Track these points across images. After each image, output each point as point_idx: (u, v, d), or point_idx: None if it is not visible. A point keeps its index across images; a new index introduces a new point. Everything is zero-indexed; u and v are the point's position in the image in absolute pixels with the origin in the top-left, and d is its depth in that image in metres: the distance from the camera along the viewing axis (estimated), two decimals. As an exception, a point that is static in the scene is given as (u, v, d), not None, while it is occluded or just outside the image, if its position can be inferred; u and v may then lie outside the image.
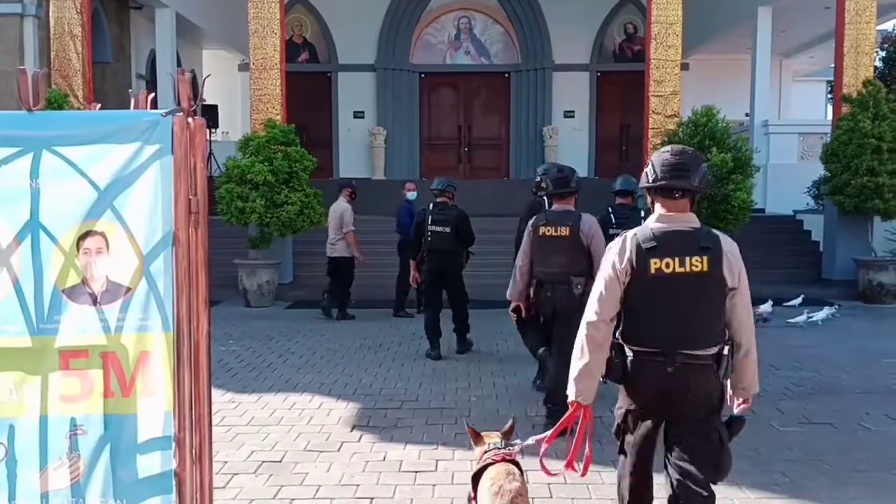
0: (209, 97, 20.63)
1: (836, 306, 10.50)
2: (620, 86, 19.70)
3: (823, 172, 12.94)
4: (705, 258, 3.19)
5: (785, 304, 10.60)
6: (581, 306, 3.48)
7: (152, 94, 3.27)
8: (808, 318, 9.92)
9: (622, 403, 3.42)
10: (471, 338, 8.70)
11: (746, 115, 16.97)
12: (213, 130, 19.94)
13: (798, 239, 14.45)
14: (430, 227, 8.42)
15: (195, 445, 2.80)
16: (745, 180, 11.50)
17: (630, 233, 3.31)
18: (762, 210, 14.92)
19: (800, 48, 20.30)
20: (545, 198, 6.39)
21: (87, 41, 12.61)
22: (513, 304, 6.04)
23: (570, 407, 3.30)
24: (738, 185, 11.33)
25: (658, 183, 3.25)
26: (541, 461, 3.35)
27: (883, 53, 14.00)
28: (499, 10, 20.14)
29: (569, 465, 3.34)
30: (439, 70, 20.52)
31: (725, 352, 3.24)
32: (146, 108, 3.11)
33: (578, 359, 3.27)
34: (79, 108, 11.92)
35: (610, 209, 7.61)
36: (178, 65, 17.43)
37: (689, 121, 12.14)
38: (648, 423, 3.36)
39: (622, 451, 3.47)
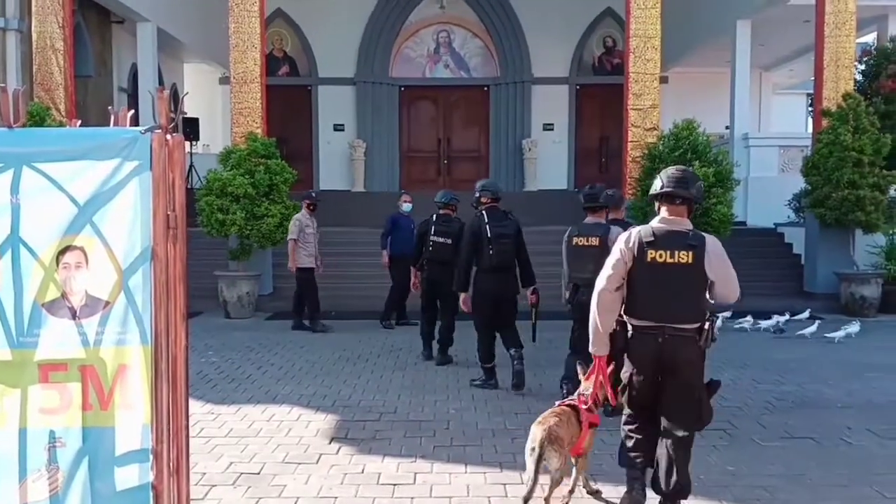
0: (190, 110, 20.64)
1: (858, 321, 10.39)
2: (599, 99, 19.91)
3: (804, 185, 12.96)
4: (691, 253, 4.07)
5: (793, 317, 10.56)
6: None
7: (132, 111, 3.33)
8: (846, 332, 9.80)
9: (626, 368, 4.28)
10: (452, 353, 8.77)
11: (726, 127, 17.09)
12: (194, 143, 19.94)
13: (779, 252, 14.48)
14: (432, 238, 8.78)
15: (173, 458, 2.84)
16: (726, 193, 11.55)
17: (636, 229, 4.26)
18: (743, 223, 14.98)
19: (779, 61, 20.57)
20: (483, 212, 7.37)
21: (69, 55, 12.63)
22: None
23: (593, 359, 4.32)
24: (718, 198, 11.35)
25: (664, 190, 4.18)
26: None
27: (863, 67, 14.13)
28: (478, 24, 20.31)
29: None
30: (419, 83, 20.64)
31: (706, 326, 4.10)
32: (126, 124, 3.16)
33: (592, 322, 4.23)
34: (61, 122, 11.94)
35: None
36: (160, 78, 17.47)
37: (671, 134, 12.22)
38: (642, 378, 4.20)
39: (630, 404, 4.31)
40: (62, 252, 2.80)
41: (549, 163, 20.02)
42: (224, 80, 19.02)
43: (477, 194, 7.62)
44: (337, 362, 8.73)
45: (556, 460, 4.17)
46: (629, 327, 4.19)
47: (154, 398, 2.80)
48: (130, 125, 3.16)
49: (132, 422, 2.79)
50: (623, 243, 4.19)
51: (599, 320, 4.19)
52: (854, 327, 9.95)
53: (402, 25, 20.27)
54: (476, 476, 5.07)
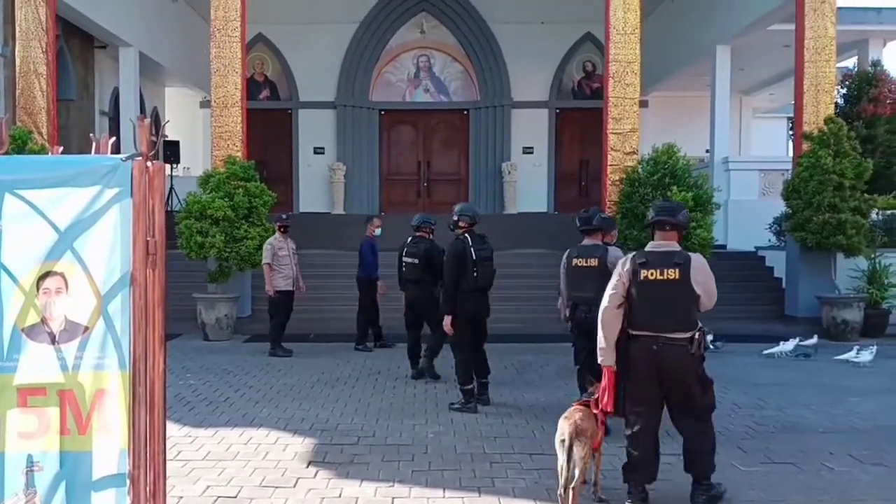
0: (171, 133, 20.69)
1: (874, 345, 10.28)
2: (579, 122, 20.13)
3: (785, 209, 12.97)
4: (678, 270, 4.68)
5: (801, 343, 10.50)
6: None
7: (113, 138, 3.37)
8: (869, 352, 9.75)
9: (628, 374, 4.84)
10: (439, 372, 8.86)
11: (707, 151, 17.23)
12: (175, 165, 19.93)
13: (760, 275, 14.45)
14: (403, 259, 9.19)
15: (150, 483, 2.85)
16: (706, 217, 11.58)
17: (632, 253, 4.94)
18: (723, 246, 15.02)
19: (759, 86, 20.83)
20: (466, 236, 7.55)
21: (51, 79, 12.68)
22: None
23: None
24: (698, 222, 11.35)
25: (655, 219, 4.88)
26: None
27: (844, 91, 14.30)
28: (458, 49, 20.49)
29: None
30: (399, 107, 20.76)
31: (696, 336, 4.67)
32: (107, 151, 3.20)
33: (599, 337, 4.82)
34: (43, 145, 11.96)
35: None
36: (141, 102, 17.51)
37: (650, 158, 12.31)
38: (641, 377, 4.77)
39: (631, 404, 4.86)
40: (42, 277, 2.83)
41: (528, 186, 20.17)
42: (205, 104, 19.07)
43: (455, 218, 7.74)
44: (315, 385, 8.70)
45: (582, 450, 4.65)
46: (630, 336, 4.79)
47: (132, 423, 2.81)
48: (112, 151, 3.19)
49: (110, 446, 2.80)
50: (621, 266, 4.85)
51: (604, 334, 4.78)
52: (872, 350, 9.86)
53: (382, 50, 20.43)
54: (454, 500, 5.06)
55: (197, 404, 7.74)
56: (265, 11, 18.24)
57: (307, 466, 5.78)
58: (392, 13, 20.23)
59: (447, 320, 7.65)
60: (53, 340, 2.82)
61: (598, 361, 4.84)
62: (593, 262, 6.59)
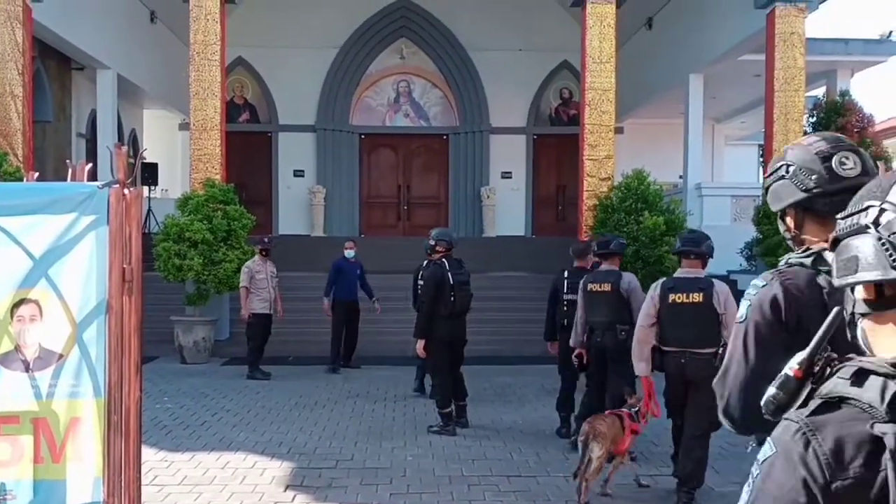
0: (149, 155, 20.61)
1: None
2: (556, 148, 20.32)
3: (756, 234, 13.17)
4: (702, 294, 5.30)
5: None
6: (626, 349, 5.85)
7: (90, 165, 3.38)
8: None
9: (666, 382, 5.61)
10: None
11: (680, 176, 17.46)
12: (153, 187, 19.87)
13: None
14: (418, 281, 8.63)
15: (125, 510, 2.81)
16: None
17: (662, 279, 5.68)
18: (697, 270, 15.27)
19: (731, 114, 21.11)
20: (444, 261, 7.62)
21: (28, 101, 12.60)
22: (576, 351, 7.08)
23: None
24: (671, 246, 11.58)
25: (681, 248, 5.55)
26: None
27: (813, 119, 14.56)
28: (437, 75, 20.65)
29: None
30: (379, 131, 20.85)
31: (720, 351, 5.01)
32: (84, 178, 3.19)
33: (634, 351, 5.54)
34: (18, 167, 11.87)
35: (565, 272, 7.83)
36: (119, 124, 17.46)
37: (621, 184, 12.47)
38: (671, 388, 5.55)
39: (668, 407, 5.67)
40: (17, 305, 2.81)
41: (507, 210, 20.30)
42: (184, 126, 19.06)
43: (432, 242, 7.81)
44: (294, 408, 8.71)
45: (598, 450, 5.26)
46: (662, 351, 5.43)
47: (106, 451, 2.80)
48: (88, 177, 3.20)
49: (84, 475, 2.78)
50: (652, 290, 5.52)
51: (638, 349, 5.49)
52: None
53: (362, 75, 20.53)
54: (431, 524, 5.10)
55: (174, 428, 7.73)
56: (245, 35, 18.37)
57: (285, 490, 5.80)
58: (372, 39, 20.38)
59: (419, 344, 7.70)
60: (27, 368, 2.80)
61: (637, 373, 5.57)
62: (607, 286, 6.68)
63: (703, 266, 5.50)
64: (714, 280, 5.44)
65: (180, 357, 11.91)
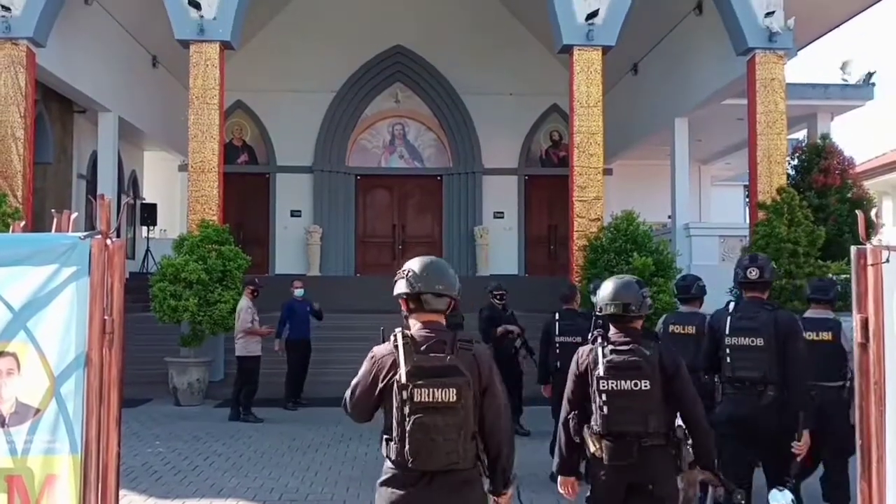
0: (148, 195, 20.91)
1: None
2: (547, 189, 20.61)
3: None
4: (830, 333, 5.90)
5: None
6: (706, 393, 5.03)
7: (75, 214, 3.31)
8: None
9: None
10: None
11: (669, 217, 17.69)
12: (151, 228, 20.11)
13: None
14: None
15: (102, 572, 2.75)
16: (668, 282, 11.69)
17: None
18: (686, 311, 15.35)
19: (716, 155, 21.39)
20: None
21: (29, 143, 12.84)
22: None
23: None
24: (660, 287, 11.54)
25: (810, 296, 6.20)
26: None
27: (795, 162, 14.79)
28: (431, 118, 21.06)
29: None
30: (374, 172, 21.17)
31: (848, 384, 5.58)
32: (68, 228, 3.16)
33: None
34: (17, 208, 12.08)
35: (557, 314, 7.85)
36: (120, 165, 17.72)
37: (611, 225, 12.64)
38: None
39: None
40: (-6, 358, 2.72)
41: (500, 249, 20.55)
42: (183, 167, 19.34)
43: None
44: (286, 452, 8.63)
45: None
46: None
47: (82, 509, 2.69)
48: (72, 230, 3.16)
49: (59, 535, 2.66)
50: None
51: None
52: None
53: (358, 118, 20.94)
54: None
55: (165, 473, 7.68)
56: (244, 80, 18.76)
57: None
58: (368, 83, 20.82)
59: None
60: (3, 423, 2.72)
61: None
62: (691, 329, 6.37)
63: (832, 309, 6.14)
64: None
65: (174, 399, 11.90)
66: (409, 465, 2.97)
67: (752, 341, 5.04)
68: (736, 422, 4.99)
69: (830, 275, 12.73)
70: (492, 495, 3.13)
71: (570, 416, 3.96)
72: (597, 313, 4.04)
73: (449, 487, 2.98)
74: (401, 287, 3.20)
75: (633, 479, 3.74)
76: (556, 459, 4.07)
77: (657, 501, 3.72)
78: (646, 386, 3.71)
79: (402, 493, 3.03)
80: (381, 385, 3.07)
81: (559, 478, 4.07)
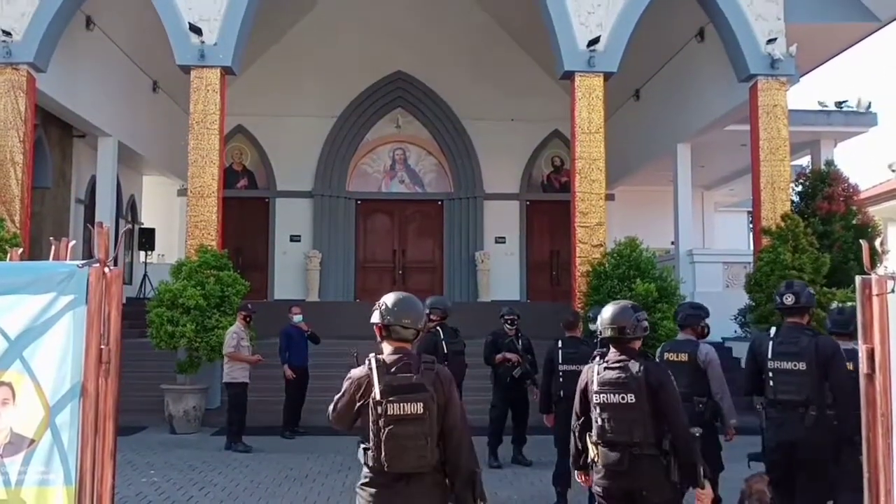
0: (147, 220, 20.85)
1: None
2: (549, 214, 20.60)
3: (748, 301, 13.12)
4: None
5: None
6: (702, 423, 5.69)
7: (73, 242, 3.33)
8: None
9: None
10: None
11: (672, 243, 17.60)
12: (150, 252, 20.02)
13: (728, 366, 14.18)
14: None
15: None
16: (671, 309, 11.48)
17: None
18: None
19: (720, 181, 21.40)
20: (438, 329, 7.54)
21: (28, 168, 12.82)
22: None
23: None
24: (664, 313, 11.46)
25: (830, 330, 5.69)
26: None
27: (799, 188, 14.76)
28: (432, 143, 21.07)
29: None
30: (375, 197, 21.16)
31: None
32: (66, 257, 3.15)
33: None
34: (15, 233, 12.01)
35: (560, 342, 7.77)
36: (119, 190, 17.67)
37: (614, 251, 12.56)
38: None
39: None
40: (-11, 388, 2.69)
41: (501, 274, 20.46)
42: (182, 192, 19.32)
43: (427, 311, 7.78)
44: (283, 482, 8.53)
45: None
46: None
47: (76, 543, 2.66)
48: (70, 258, 3.14)
49: (52, 568, 2.62)
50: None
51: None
52: None
53: (359, 143, 20.96)
54: None
55: None
56: (245, 105, 18.81)
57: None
58: (369, 109, 20.87)
59: None
60: None
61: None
62: (683, 356, 6.46)
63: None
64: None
65: (170, 427, 11.73)
66: (385, 469, 3.47)
67: (795, 365, 5.31)
68: (785, 448, 5.30)
69: (836, 302, 12.66)
70: None
71: (576, 425, 4.49)
72: (597, 336, 4.46)
73: (422, 488, 3.50)
74: (375, 317, 3.72)
75: (627, 485, 4.15)
76: (572, 456, 4.64)
77: None
78: (631, 399, 4.15)
79: (379, 493, 3.55)
80: (359, 403, 3.58)
81: (574, 471, 4.68)
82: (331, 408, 3.72)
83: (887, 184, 24.69)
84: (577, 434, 4.48)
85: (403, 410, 3.46)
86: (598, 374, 4.28)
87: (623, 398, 4.16)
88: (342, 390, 3.68)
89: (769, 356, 5.43)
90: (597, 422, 4.23)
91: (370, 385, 3.52)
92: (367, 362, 3.62)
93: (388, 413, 3.44)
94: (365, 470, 3.61)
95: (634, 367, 4.20)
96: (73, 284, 2.85)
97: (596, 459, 4.27)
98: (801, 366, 5.26)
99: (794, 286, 5.56)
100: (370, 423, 3.49)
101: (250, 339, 11.09)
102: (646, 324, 4.37)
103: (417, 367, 3.58)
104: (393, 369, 3.56)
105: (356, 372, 3.66)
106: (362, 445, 3.56)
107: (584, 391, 4.37)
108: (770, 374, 5.42)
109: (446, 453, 3.57)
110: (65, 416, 2.74)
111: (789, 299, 5.50)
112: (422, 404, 3.47)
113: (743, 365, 14.43)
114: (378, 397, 3.47)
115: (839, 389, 5.07)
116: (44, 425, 2.74)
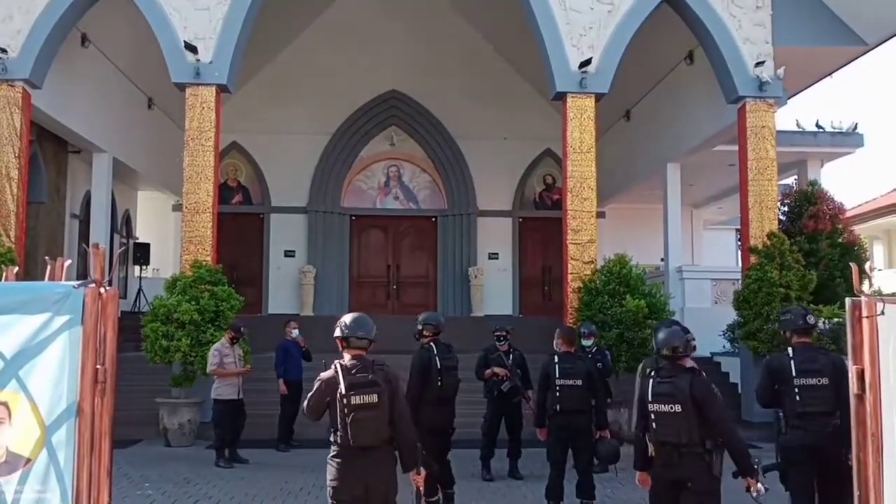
0: (142, 234, 20.92)
1: None
2: (541, 231, 20.76)
3: (736, 317, 13.29)
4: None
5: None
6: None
7: (69, 261, 3.33)
8: None
9: None
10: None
11: (662, 260, 17.77)
12: (144, 267, 20.09)
13: (716, 381, 14.38)
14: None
15: None
16: None
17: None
18: (680, 353, 15.35)
19: (708, 200, 21.61)
20: (432, 345, 7.49)
21: (23, 184, 12.90)
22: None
23: None
24: (652, 329, 11.71)
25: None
26: None
27: (785, 207, 14.93)
28: (426, 161, 21.25)
29: None
30: (369, 213, 21.30)
31: (838, 413, 5.59)
32: (61, 277, 3.18)
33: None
34: (10, 248, 12.08)
35: (555, 357, 7.76)
36: (113, 205, 17.74)
37: (604, 268, 12.70)
38: None
39: None
40: (-15, 407, 2.71)
41: (494, 290, 20.61)
42: (177, 207, 19.39)
43: (420, 327, 7.72)
44: (278, 496, 8.51)
45: None
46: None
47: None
48: (65, 278, 3.15)
49: (48, 587, 2.63)
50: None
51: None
52: None
53: (354, 160, 21.12)
54: None
55: None
56: (240, 121, 18.94)
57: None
58: (364, 126, 21.05)
59: None
60: None
61: None
62: (824, 379, 6.38)
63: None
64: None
65: (164, 440, 11.77)
66: (350, 444, 4.47)
67: (819, 381, 5.79)
68: (808, 449, 5.75)
69: (823, 319, 12.81)
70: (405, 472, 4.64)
71: (639, 427, 5.20)
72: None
73: (377, 458, 4.53)
74: (337, 332, 4.73)
75: (677, 475, 4.89)
76: (635, 457, 5.26)
77: (696, 494, 4.83)
78: (678, 409, 4.85)
79: (345, 461, 4.53)
80: (328, 398, 4.57)
81: (637, 473, 5.25)
82: (304, 403, 4.69)
83: (874, 202, 24.95)
84: (639, 436, 5.17)
85: (363, 400, 4.46)
86: (652, 386, 4.99)
87: (672, 408, 4.87)
88: (314, 388, 4.63)
89: (794, 374, 5.87)
90: (652, 426, 4.96)
91: (336, 383, 4.50)
92: (333, 366, 4.59)
93: (352, 403, 4.45)
94: (334, 447, 4.58)
95: (682, 381, 4.91)
96: (69, 305, 2.86)
97: (653, 454, 5.01)
98: (825, 381, 5.75)
99: (809, 308, 6.18)
100: (338, 412, 4.48)
101: (245, 353, 11.15)
102: (695, 343, 5.11)
103: (371, 368, 4.58)
104: (353, 371, 4.55)
105: (325, 374, 4.62)
106: (332, 429, 4.55)
107: (642, 401, 5.09)
108: (797, 390, 5.85)
109: (395, 431, 4.58)
110: (61, 436, 2.76)
111: (811, 319, 6.08)
112: (376, 395, 4.49)
113: (732, 379, 14.59)
114: (343, 391, 4.46)
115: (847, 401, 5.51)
116: (40, 444, 2.75)
